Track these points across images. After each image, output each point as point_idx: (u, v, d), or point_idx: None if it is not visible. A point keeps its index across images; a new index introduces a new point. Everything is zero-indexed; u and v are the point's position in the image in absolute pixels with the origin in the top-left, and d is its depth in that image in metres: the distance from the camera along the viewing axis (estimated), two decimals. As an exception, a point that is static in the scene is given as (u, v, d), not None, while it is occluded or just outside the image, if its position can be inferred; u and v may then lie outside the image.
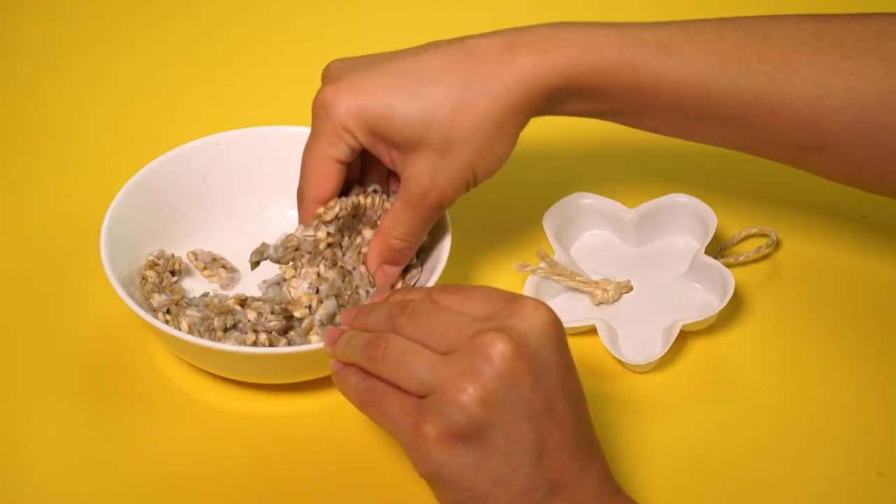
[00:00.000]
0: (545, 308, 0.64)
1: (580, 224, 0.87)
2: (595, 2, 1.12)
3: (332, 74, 0.75)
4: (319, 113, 0.75)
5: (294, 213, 0.80)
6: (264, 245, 0.79)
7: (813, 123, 0.72)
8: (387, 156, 0.75)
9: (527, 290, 0.83)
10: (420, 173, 0.74)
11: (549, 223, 0.85)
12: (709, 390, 0.80)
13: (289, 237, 0.78)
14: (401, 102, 0.72)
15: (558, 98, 0.74)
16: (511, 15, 1.10)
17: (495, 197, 0.91)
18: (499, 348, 0.62)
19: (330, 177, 0.77)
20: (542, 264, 0.83)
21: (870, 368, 0.81)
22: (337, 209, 0.78)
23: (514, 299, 0.65)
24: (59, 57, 1.04)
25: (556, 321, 0.64)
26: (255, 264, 0.79)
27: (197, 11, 1.09)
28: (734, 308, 0.83)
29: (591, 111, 0.76)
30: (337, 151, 0.75)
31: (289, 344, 0.78)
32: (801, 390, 0.79)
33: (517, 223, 0.89)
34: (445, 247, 0.79)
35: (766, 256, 0.87)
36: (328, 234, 0.78)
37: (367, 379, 0.66)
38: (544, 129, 0.98)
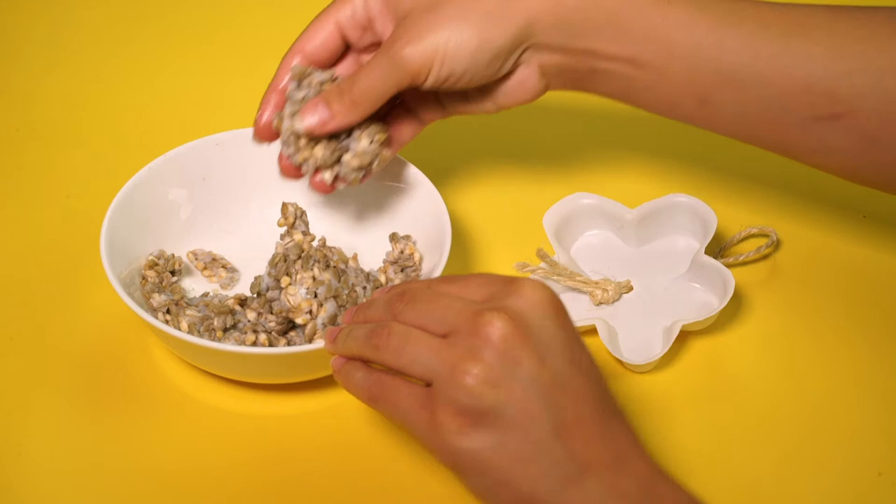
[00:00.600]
0: (543, 286, 0.64)
1: (580, 224, 0.87)
2: None
3: None
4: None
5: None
6: (258, 278, 0.79)
7: (827, 86, 0.71)
8: (389, 27, 0.76)
9: (527, 290, 0.83)
10: (403, 27, 0.74)
11: (549, 223, 0.85)
12: (709, 390, 0.80)
13: (273, 255, 0.78)
14: None
15: (578, 21, 0.74)
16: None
17: (495, 197, 0.91)
18: (497, 327, 0.61)
19: (322, 33, 0.78)
20: (542, 264, 0.83)
21: (870, 368, 0.81)
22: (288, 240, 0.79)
23: (511, 281, 0.64)
24: (59, 57, 1.04)
25: (554, 298, 0.64)
26: (259, 294, 0.79)
27: (197, 11, 1.09)
28: (734, 308, 0.83)
29: (609, 63, 0.75)
30: (339, 12, 0.77)
31: (289, 344, 0.78)
32: (800, 390, 0.79)
33: (517, 223, 0.89)
34: (445, 247, 0.79)
35: (766, 256, 0.87)
36: (303, 233, 0.79)
37: (372, 373, 0.66)
38: (544, 129, 0.98)
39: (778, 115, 0.74)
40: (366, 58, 0.80)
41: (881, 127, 0.72)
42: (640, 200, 0.87)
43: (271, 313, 0.78)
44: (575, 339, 0.64)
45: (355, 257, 0.84)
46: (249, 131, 0.87)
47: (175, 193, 0.85)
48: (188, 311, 0.79)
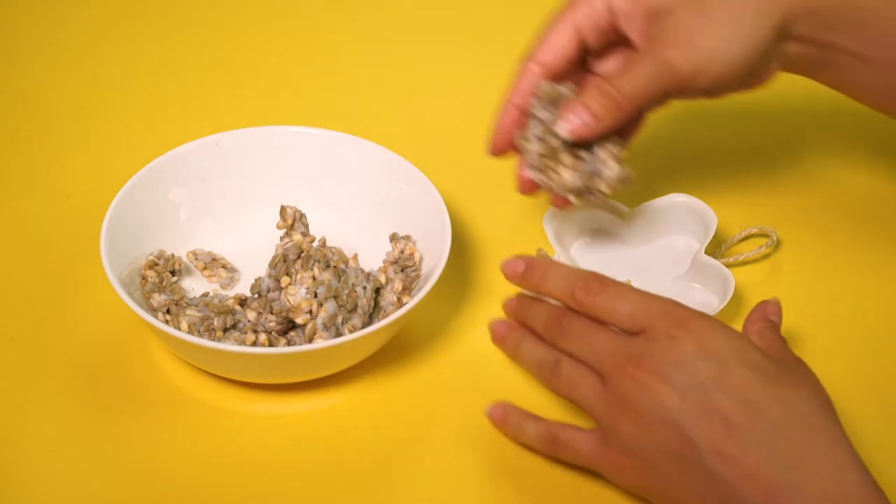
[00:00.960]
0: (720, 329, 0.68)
1: (580, 224, 0.87)
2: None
3: None
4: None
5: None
6: (259, 279, 0.79)
7: None
8: (639, 24, 0.74)
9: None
10: (670, 33, 0.73)
11: (549, 223, 0.85)
12: (709, 390, 0.80)
13: (273, 256, 0.78)
14: None
15: (825, 13, 0.73)
16: (506, 19, 1.10)
17: (495, 197, 0.91)
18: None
19: (560, 40, 0.75)
20: None
21: (870, 368, 0.81)
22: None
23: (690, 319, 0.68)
24: (59, 57, 1.04)
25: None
26: (259, 295, 0.79)
27: (197, 12, 1.09)
28: (734, 308, 0.83)
29: (840, 56, 0.75)
30: (580, 16, 0.75)
31: (289, 344, 0.78)
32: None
33: (517, 223, 0.89)
34: (445, 247, 0.79)
35: (766, 256, 0.87)
36: (302, 234, 0.79)
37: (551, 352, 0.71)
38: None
39: None
40: (604, 64, 0.78)
41: None
42: (640, 200, 0.87)
43: (271, 313, 0.78)
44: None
45: (355, 257, 0.84)
46: (249, 131, 0.87)
47: (175, 193, 0.85)
48: (188, 311, 0.79)
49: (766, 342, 0.72)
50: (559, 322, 0.71)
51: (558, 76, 0.77)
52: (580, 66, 0.79)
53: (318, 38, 1.08)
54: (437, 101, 1.02)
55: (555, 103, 0.75)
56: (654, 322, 0.68)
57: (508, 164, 0.91)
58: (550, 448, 0.73)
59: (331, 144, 0.87)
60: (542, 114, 0.76)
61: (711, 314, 0.80)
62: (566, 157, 0.76)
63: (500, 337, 0.74)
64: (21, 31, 1.06)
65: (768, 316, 0.74)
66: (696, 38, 0.73)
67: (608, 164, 0.76)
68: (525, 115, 0.77)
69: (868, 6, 0.74)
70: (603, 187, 0.77)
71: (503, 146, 0.79)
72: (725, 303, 0.80)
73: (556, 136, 0.75)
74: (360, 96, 1.02)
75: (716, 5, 0.73)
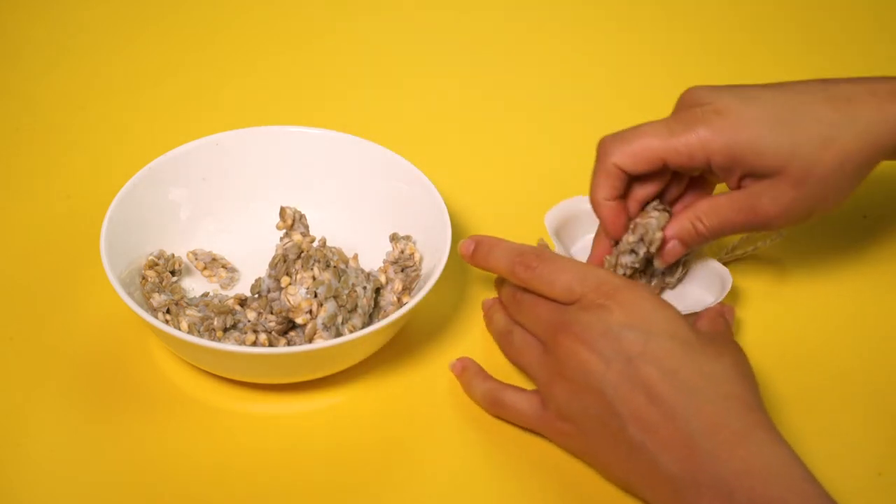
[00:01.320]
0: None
1: (581, 226, 0.87)
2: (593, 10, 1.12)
3: (686, 102, 0.78)
4: (597, 156, 0.78)
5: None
6: (259, 279, 0.79)
7: None
8: (734, 179, 0.77)
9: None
10: (765, 195, 0.75)
11: (550, 224, 0.85)
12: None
13: (273, 257, 0.78)
14: (770, 131, 0.75)
15: None
16: (506, 19, 1.10)
17: (495, 197, 0.91)
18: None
19: (610, 214, 0.79)
20: None
21: (870, 368, 0.81)
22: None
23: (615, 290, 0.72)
24: (59, 57, 1.04)
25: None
26: (259, 295, 0.79)
27: (197, 12, 1.09)
28: (735, 307, 0.83)
29: None
30: (603, 191, 0.78)
31: (289, 344, 0.78)
32: (800, 390, 0.79)
33: (517, 224, 0.89)
34: (445, 247, 0.79)
35: (765, 255, 0.87)
36: (302, 234, 0.79)
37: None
38: (546, 130, 0.98)
39: None
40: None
41: None
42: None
43: (272, 313, 0.78)
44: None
45: (355, 257, 0.84)
46: (249, 131, 0.87)
47: (175, 193, 0.85)
48: (188, 311, 0.79)
49: (710, 322, 0.76)
50: (514, 296, 0.76)
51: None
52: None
53: (318, 38, 1.08)
54: (437, 101, 1.02)
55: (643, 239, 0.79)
56: (586, 292, 0.72)
57: (509, 165, 0.92)
58: (494, 408, 0.76)
59: (331, 144, 0.87)
60: (628, 258, 0.80)
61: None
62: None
63: (484, 311, 0.81)
64: (21, 31, 1.06)
65: (722, 311, 0.78)
66: (790, 203, 0.76)
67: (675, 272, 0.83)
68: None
69: None
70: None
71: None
72: (721, 299, 0.80)
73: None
74: (360, 96, 1.02)
75: (798, 168, 0.75)
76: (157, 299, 0.80)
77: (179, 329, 0.78)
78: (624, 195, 0.79)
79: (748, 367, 0.71)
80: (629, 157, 0.77)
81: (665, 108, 0.80)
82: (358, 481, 0.75)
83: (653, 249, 0.79)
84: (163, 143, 0.86)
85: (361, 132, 0.88)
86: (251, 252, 0.85)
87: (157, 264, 0.82)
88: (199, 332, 0.78)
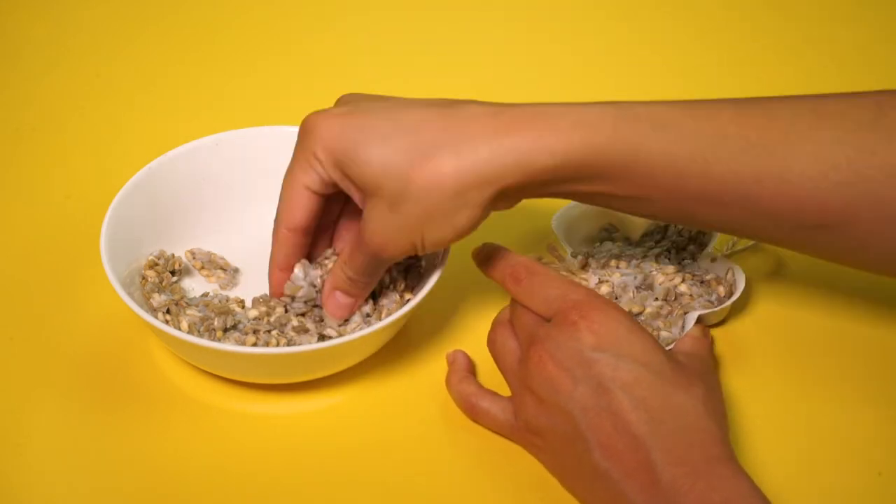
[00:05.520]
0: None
1: (588, 228, 0.87)
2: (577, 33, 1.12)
3: (338, 103, 0.76)
4: (300, 137, 0.75)
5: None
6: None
7: (817, 199, 0.70)
8: (356, 194, 0.74)
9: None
10: (369, 220, 0.72)
11: (557, 225, 0.85)
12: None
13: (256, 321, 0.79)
14: (366, 144, 0.71)
15: (550, 179, 0.71)
16: (505, 20, 1.10)
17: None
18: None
19: (300, 202, 0.76)
20: (556, 263, 0.84)
21: (871, 367, 0.81)
22: (301, 293, 0.78)
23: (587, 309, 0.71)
24: (59, 57, 1.04)
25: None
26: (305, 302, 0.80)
27: (197, 12, 1.09)
28: (735, 306, 0.83)
29: (586, 193, 0.73)
30: (308, 179, 0.75)
31: (290, 344, 0.78)
32: (800, 390, 0.79)
33: (522, 224, 0.89)
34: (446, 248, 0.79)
35: (766, 248, 0.87)
36: (285, 309, 0.79)
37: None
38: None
39: (767, 224, 0.72)
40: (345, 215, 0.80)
41: (873, 232, 0.71)
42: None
43: (315, 306, 0.79)
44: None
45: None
46: (249, 131, 0.87)
47: (175, 193, 0.85)
48: (188, 311, 0.79)
49: (692, 341, 0.76)
50: (513, 301, 0.76)
51: (307, 227, 0.77)
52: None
53: (318, 38, 1.08)
54: (438, 101, 1.02)
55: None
56: (565, 309, 0.71)
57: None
58: (470, 413, 0.76)
59: (331, 144, 0.87)
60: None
61: (718, 308, 0.80)
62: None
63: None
64: (21, 31, 1.07)
65: (706, 331, 0.78)
66: (396, 235, 0.72)
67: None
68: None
69: (601, 158, 0.71)
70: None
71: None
72: (736, 297, 0.80)
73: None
74: (360, 96, 1.02)
75: (415, 208, 0.71)
76: (157, 299, 0.80)
77: (179, 329, 0.78)
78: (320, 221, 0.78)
79: (718, 399, 0.71)
80: (290, 213, 0.76)
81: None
82: (358, 481, 0.75)
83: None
84: (163, 143, 0.87)
85: (361, 132, 0.87)
86: (251, 252, 0.85)
87: (157, 264, 0.82)
88: (199, 332, 0.78)
